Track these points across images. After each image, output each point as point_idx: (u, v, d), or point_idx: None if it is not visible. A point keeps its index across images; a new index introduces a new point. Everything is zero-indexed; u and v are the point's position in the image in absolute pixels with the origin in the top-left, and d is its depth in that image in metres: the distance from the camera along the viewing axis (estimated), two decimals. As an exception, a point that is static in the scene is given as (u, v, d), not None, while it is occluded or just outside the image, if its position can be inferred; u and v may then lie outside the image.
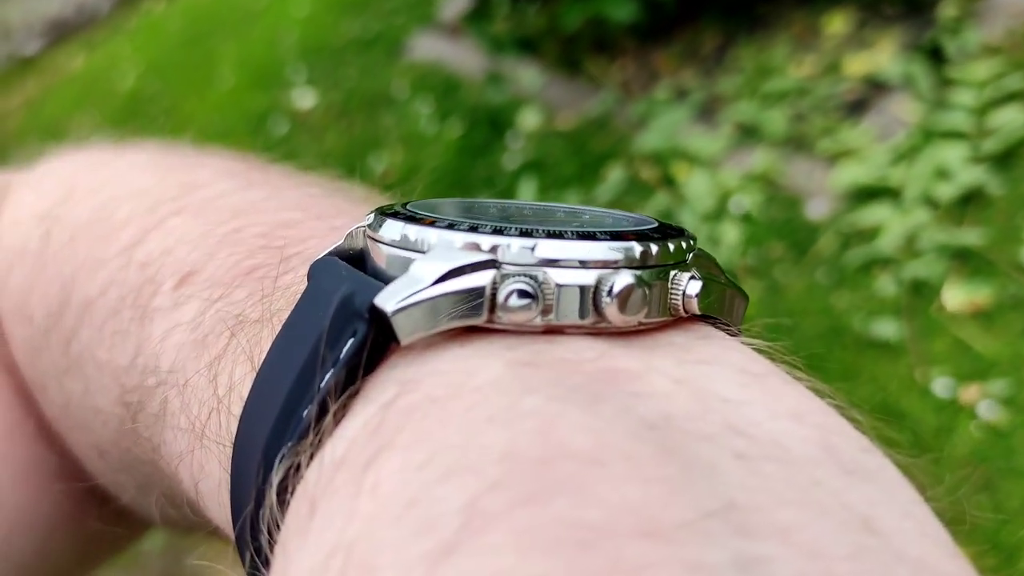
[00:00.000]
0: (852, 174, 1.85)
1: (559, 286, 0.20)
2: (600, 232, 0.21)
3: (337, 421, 0.20)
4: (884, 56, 2.06)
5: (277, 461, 0.20)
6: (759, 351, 0.21)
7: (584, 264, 0.20)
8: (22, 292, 0.35)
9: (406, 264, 0.21)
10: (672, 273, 0.21)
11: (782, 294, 1.76)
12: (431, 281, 0.20)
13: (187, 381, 0.26)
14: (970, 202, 1.75)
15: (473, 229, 0.21)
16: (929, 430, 1.47)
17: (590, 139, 2.27)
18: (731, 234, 1.87)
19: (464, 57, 2.66)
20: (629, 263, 0.20)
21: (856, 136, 1.92)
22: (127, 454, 0.32)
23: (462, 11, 2.71)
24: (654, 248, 0.21)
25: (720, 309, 0.22)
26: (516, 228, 0.21)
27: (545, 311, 0.20)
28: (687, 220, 1.92)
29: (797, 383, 0.20)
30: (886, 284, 1.69)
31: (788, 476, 0.17)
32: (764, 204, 1.91)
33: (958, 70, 1.94)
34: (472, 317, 0.20)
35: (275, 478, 0.20)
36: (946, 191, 1.75)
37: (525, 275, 0.20)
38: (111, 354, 0.30)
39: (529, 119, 2.37)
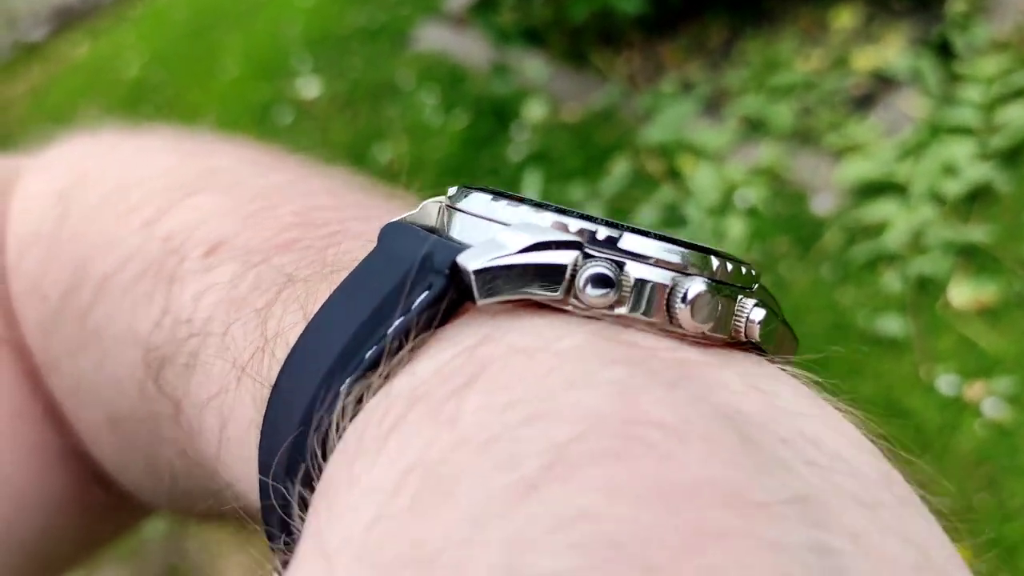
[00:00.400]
0: (858, 169, 1.84)
1: (637, 280, 0.20)
2: (680, 240, 0.21)
3: (408, 361, 0.20)
4: (892, 51, 2.05)
5: (344, 387, 0.20)
6: (810, 385, 0.22)
7: (664, 264, 0.21)
8: (36, 273, 0.35)
9: (488, 233, 0.21)
10: (739, 296, 0.22)
11: (787, 290, 1.75)
12: (516, 249, 0.20)
13: (230, 326, 0.26)
14: (977, 199, 1.74)
15: (561, 212, 0.21)
16: (933, 427, 1.47)
17: (595, 131, 2.26)
18: (736, 228, 1.87)
19: (470, 48, 2.65)
20: (705, 273, 0.21)
21: (863, 131, 1.92)
22: (141, 421, 0.32)
23: (468, 2, 2.70)
24: (729, 265, 0.21)
25: (773, 344, 0.22)
26: (603, 219, 0.21)
27: (618, 303, 0.20)
28: (692, 214, 1.91)
29: (850, 417, 0.21)
30: (891, 280, 1.68)
31: (855, 490, 0.17)
32: (770, 198, 1.91)
33: (966, 66, 1.93)
34: (548, 293, 0.20)
35: (344, 402, 0.20)
36: (953, 187, 1.75)
37: (607, 262, 0.20)
38: (132, 320, 0.30)
39: (534, 111, 2.36)
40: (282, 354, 0.23)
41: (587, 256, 0.20)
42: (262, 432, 0.22)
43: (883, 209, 1.78)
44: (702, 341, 0.21)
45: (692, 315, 0.20)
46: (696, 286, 0.20)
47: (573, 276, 0.20)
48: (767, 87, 2.11)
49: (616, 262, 0.20)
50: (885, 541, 0.16)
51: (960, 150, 1.79)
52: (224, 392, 0.26)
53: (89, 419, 0.36)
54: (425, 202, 0.24)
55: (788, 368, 0.22)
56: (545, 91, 2.41)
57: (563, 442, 0.16)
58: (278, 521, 0.21)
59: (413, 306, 0.20)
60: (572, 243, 0.20)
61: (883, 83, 2.03)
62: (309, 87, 2.91)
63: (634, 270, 0.20)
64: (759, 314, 0.21)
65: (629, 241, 0.20)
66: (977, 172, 1.75)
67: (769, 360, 0.22)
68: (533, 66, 2.44)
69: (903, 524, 0.17)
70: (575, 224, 0.21)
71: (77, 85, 3.64)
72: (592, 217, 0.21)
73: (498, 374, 0.18)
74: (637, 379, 0.18)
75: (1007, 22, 2.01)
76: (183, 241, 0.29)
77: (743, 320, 0.21)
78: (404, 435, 0.18)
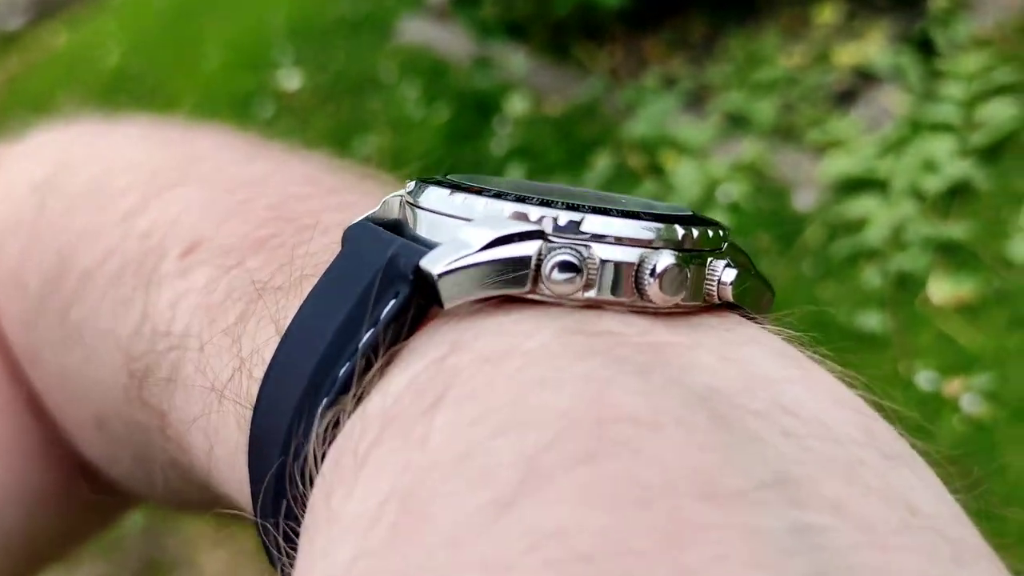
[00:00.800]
0: (840, 165, 1.85)
1: (603, 261, 0.20)
2: (643, 212, 0.21)
3: (380, 377, 0.20)
4: (874, 47, 2.06)
5: (319, 412, 0.20)
6: (789, 340, 0.22)
7: (629, 241, 0.20)
8: (16, 263, 0.34)
9: (450, 231, 0.21)
10: (709, 259, 0.21)
11: (768, 285, 1.75)
12: (478, 247, 0.20)
13: (205, 344, 0.26)
14: (957, 195, 1.75)
15: (520, 200, 0.21)
16: (912, 424, 1.48)
17: (578, 126, 2.26)
18: (718, 224, 1.87)
19: (452, 41, 2.64)
20: (671, 244, 0.21)
21: (844, 127, 1.92)
22: (128, 424, 0.31)
23: (451, -6, 2.69)
24: (695, 232, 0.21)
25: (749, 300, 0.22)
26: (563, 202, 0.21)
27: (587, 286, 0.20)
28: (674, 209, 1.91)
29: (830, 371, 0.21)
30: (872, 276, 1.69)
31: (834, 454, 0.17)
32: (751, 194, 1.91)
33: (948, 62, 1.94)
34: (515, 287, 0.20)
35: (318, 429, 0.20)
36: (933, 184, 1.75)
37: (571, 247, 0.20)
38: (114, 323, 0.30)
39: (517, 105, 2.36)
40: (259, 373, 0.22)
41: (551, 243, 0.20)
42: (249, 459, 0.22)
43: (864, 205, 1.78)
44: (675, 312, 0.21)
45: (662, 289, 0.20)
46: (664, 260, 0.20)
47: (539, 266, 0.20)
48: (749, 83, 2.11)
49: (581, 246, 0.20)
50: (867, 506, 0.16)
51: (940, 147, 1.80)
52: (208, 414, 0.25)
53: (74, 415, 0.35)
54: (386, 198, 0.24)
55: (766, 327, 0.22)
56: (527, 85, 2.41)
57: (534, 452, 0.16)
58: (273, 559, 0.21)
59: (381, 316, 0.20)
60: (534, 233, 0.20)
61: (865, 79, 2.04)
62: (291, 79, 2.89)
63: (599, 251, 0.20)
64: (730, 275, 0.21)
65: (591, 223, 0.20)
66: (957, 169, 1.76)
67: (747, 318, 0.22)
68: (515, 60, 2.44)
69: (886, 481, 0.17)
70: (535, 212, 0.20)
71: (56, 75, 3.61)
72: (552, 202, 0.21)
73: (466, 386, 0.18)
74: (607, 370, 0.18)
75: (988, 19, 2.02)
76: (161, 239, 0.29)
77: (715, 283, 0.21)
78: (379, 461, 0.18)
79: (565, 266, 0.20)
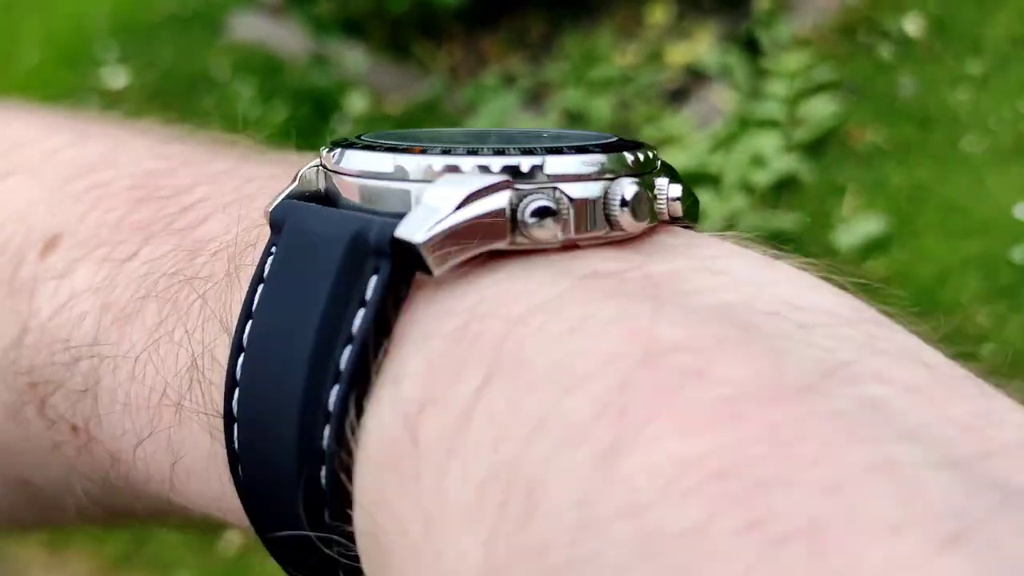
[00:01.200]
0: (674, 161, 1.90)
1: (572, 200, 0.20)
2: (591, 146, 0.21)
3: (392, 359, 0.19)
4: (703, 47, 2.13)
5: (335, 408, 0.19)
6: (744, 246, 0.22)
7: (592, 177, 0.20)
8: None
9: (403, 196, 0.20)
10: (655, 179, 0.22)
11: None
12: (452, 208, 0.19)
13: (127, 350, 0.23)
14: (784, 188, 1.83)
15: (473, 153, 0.20)
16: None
17: (419, 124, 2.25)
18: (560, 219, 1.90)
19: (287, 38, 2.59)
20: (625, 171, 0.21)
21: (678, 124, 1.98)
22: (9, 447, 0.29)
23: (285, -10, 2.64)
24: (641, 156, 0.21)
25: (692, 213, 0.23)
26: (516, 148, 0.20)
27: (562, 227, 0.20)
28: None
29: (791, 265, 0.21)
30: (708, 267, 1.75)
31: (850, 334, 0.18)
32: (591, 190, 1.95)
33: (772, 61, 2.03)
34: (496, 241, 0.19)
35: (350, 428, 0.19)
36: (762, 178, 1.83)
37: (541, 192, 0.20)
38: None
39: (357, 103, 2.33)
40: (218, 377, 0.21)
41: (519, 191, 0.20)
42: (244, 468, 0.21)
43: (699, 199, 1.84)
44: (641, 235, 0.21)
45: (635, 217, 0.20)
46: (630, 188, 0.20)
47: (513, 215, 0.19)
48: (586, 80, 2.15)
49: (549, 188, 0.20)
50: (900, 370, 0.17)
51: (767, 142, 1.88)
52: (164, 427, 0.23)
53: None
54: (302, 171, 0.23)
55: (718, 236, 0.22)
56: (367, 83, 2.38)
57: (608, 399, 0.16)
58: (318, 563, 0.20)
59: (367, 297, 0.19)
60: (502, 183, 0.20)
61: (695, 78, 2.11)
62: (116, 77, 2.77)
63: (567, 190, 0.20)
64: (677, 190, 0.22)
65: (552, 165, 0.20)
66: (783, 163, 1.84)
67: (701, 235, 0.23)
68: (353, 58, 2.41)
69: (898, 345, 0.18)
70: (497, 163, 0.20)
71: None
72: (506, 150, 0.20)
73: (504, 353, 0.17)
74: (626, 309, 0.18)
75: (808, 19, 2.12)
76: (8, 239, 0.26)
77: (665, 201, 0.22)
78: (454, 447, 0.17)
79: (542, 211, 0.20)
